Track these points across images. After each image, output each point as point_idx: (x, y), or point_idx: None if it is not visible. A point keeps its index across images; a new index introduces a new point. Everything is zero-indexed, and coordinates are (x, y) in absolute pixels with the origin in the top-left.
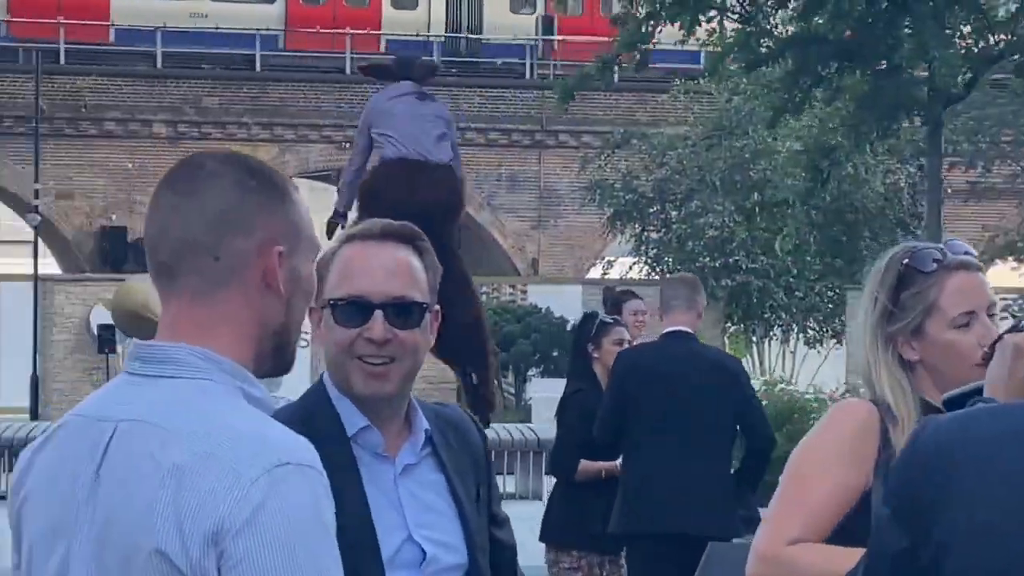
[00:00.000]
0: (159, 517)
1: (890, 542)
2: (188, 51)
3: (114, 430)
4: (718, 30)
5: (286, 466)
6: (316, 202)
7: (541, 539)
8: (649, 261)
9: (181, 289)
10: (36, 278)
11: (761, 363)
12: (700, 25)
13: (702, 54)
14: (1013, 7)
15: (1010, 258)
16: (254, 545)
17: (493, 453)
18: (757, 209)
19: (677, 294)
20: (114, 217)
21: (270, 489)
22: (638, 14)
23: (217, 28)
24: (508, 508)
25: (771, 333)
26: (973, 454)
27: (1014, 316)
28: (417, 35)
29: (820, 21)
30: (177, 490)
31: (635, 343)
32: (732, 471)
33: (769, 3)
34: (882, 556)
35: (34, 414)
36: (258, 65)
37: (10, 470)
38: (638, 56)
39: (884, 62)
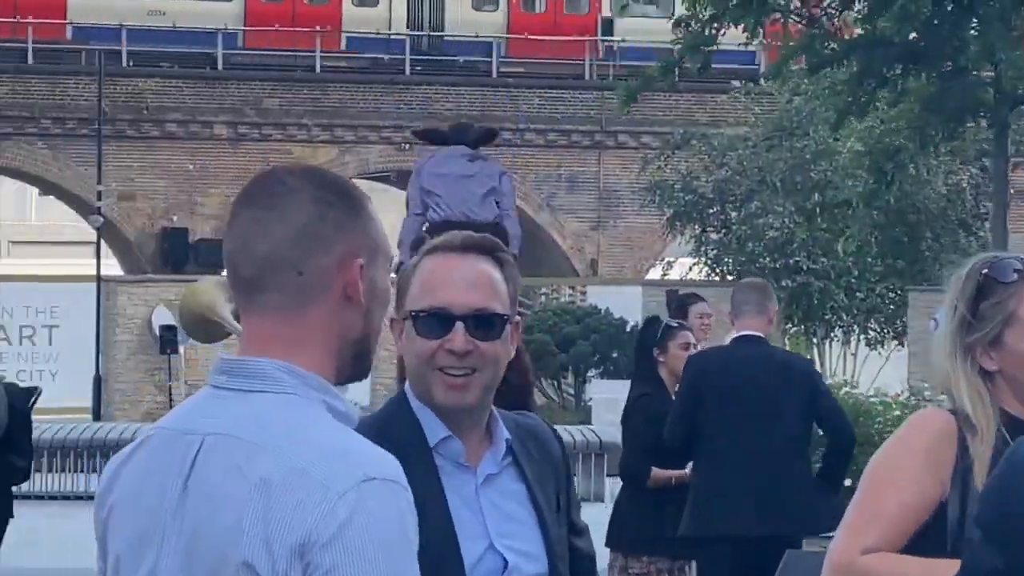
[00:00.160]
0: (246, 530)
1: (983, 562)
2: (148, 50)
3: (201, 443)
4: (782, 32)
5: (372, 481)
6: (376, 203)
7: (607, 544)
8: (709, 262)
9: (264, 304)
10: (99, 279)
11: (821, 364)
12: (763, 27)
13: (759, 54)
14: None
15: None
16: (340, 559)
17: None
18: (818, 210)
19: (748, 299)
20: (175, 218)
21: (357, 504)
22: (701, 16)
23: (174, 26)
24: None
25: (832, 334)
26: None
27: None
28: (378, 33)
29: (885, 24)
30: (265, 504)
31: (700, 346)
32: (813, 471)
33: (833, 5)
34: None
35: (96, 414)
36: (219, 63)
37: (73, 470)
38: (701, 59)
39: (950, 64)
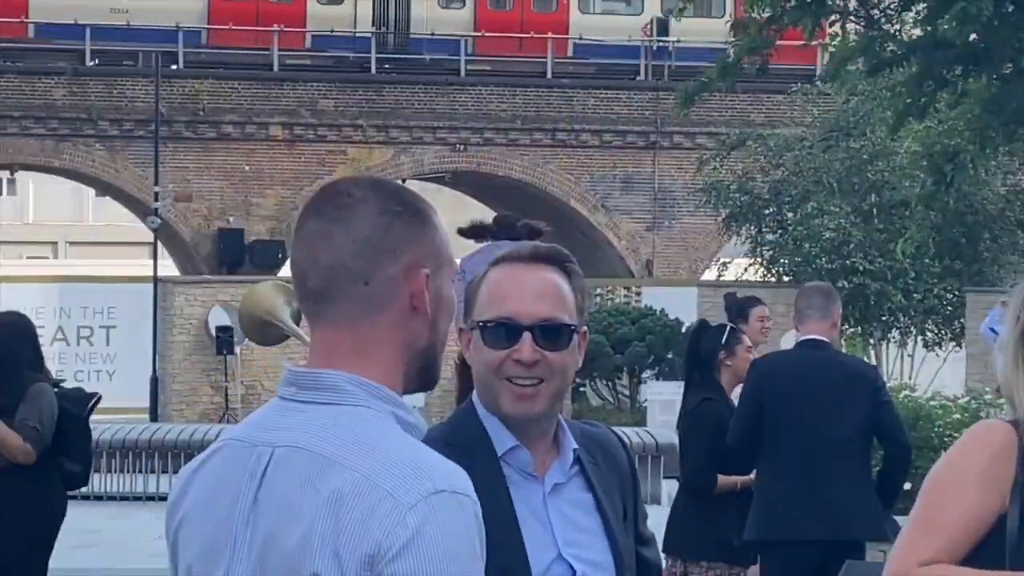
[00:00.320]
0: (317, 542)
1: None
2: (112, 48)
3: (271, 455)
4: (840, 34)
5: (442, 493)
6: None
7: (664, 549)
8: (764, 263)
9: (332, 315)
10: (155, 280)
11: (879, 366)
12: (821, 29)
13: (817, 55)
14: None
15: None
16: (409, 570)
17: None
18: (875, 211)
19: (813, 303)
20: (231, 219)
21: (427, 516)
22: (759, 18)
23: (129, 24)
24: None
25: (889, 336)
26: None
27: None
28: (336, 31)
29: (946, 26)
30: (335, 516)
31: (758, 348)
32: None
33: (892, 6)
34: None
35: (153, 415)
36: (181, 62)
37: (131, 471)
38: (759, 61)
39: (1010, 65)
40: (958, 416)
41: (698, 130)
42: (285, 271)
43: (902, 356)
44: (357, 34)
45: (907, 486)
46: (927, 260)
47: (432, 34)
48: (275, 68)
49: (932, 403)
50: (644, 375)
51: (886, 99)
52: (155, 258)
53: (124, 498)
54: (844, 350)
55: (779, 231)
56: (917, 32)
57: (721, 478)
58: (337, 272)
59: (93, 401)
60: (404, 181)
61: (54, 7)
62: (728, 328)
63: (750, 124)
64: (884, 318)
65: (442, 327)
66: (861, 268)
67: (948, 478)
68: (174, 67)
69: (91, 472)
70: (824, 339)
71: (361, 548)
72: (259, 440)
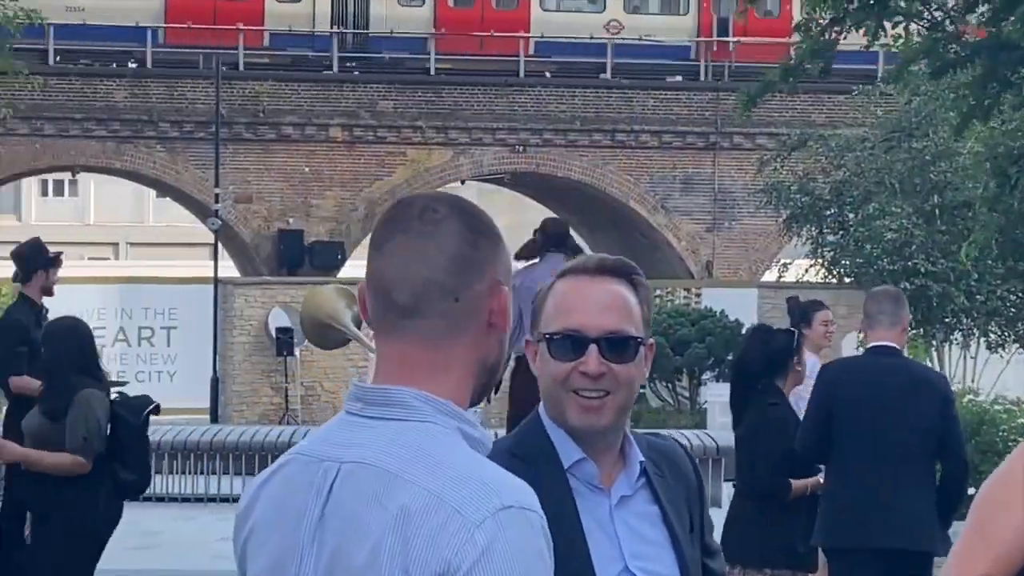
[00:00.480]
0: (385, 559)
1: None
2: (74, 48)
3: (338, 471)
4: (903, 35)
5: (509, 510)
6: (489, 205)
7: (725, 558)
8: (826, 264)
9: (413, 329)
10: (216, 281)
11: (940, 367)
12: (885, 31)
13: (879, 54)
14: None
15: None
16: None
17: None
18: (937, 211)
19: (883, 309)
20: (291, 220)
21: (495, 533)
22: (821, 20)
23: (85, 22)
24: None
25: (951, 338)
26: None
27: None
28: (294, 29)
29: (1011, 28)
30: (403, 533)
31: (821, 353)
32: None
33: (956, 8)
34: None
35: (214, 416)
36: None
37: (193, 472)
38: (821, 62)
39: None
40: (1023, 420)
41: (758, 131)
42: (344, 273)
43: (965, 358)
44: (316, 33)
45: (970, 491)
46: (990, 261)
47: (392, 32)
48: (335, 69)
49: (996, 407)
50: (704, 377)
51: (949, 100)
52: (215, 259)
53: (185, 499)
54: (907, 353)
55: (840, 232)
56: (977, 33)
57: (794, 483)
58: (430, 288)
59: (149, 409)
60: (463, 182)
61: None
62: (796, 334)
63: (811, 124)
64: (947, 320)
65: (507, 343)
66: (923, 269)
67: (1001, 491)
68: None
69: (149, 480)
70: (894, 345)
71: (431, 566)
72: (326, 455)
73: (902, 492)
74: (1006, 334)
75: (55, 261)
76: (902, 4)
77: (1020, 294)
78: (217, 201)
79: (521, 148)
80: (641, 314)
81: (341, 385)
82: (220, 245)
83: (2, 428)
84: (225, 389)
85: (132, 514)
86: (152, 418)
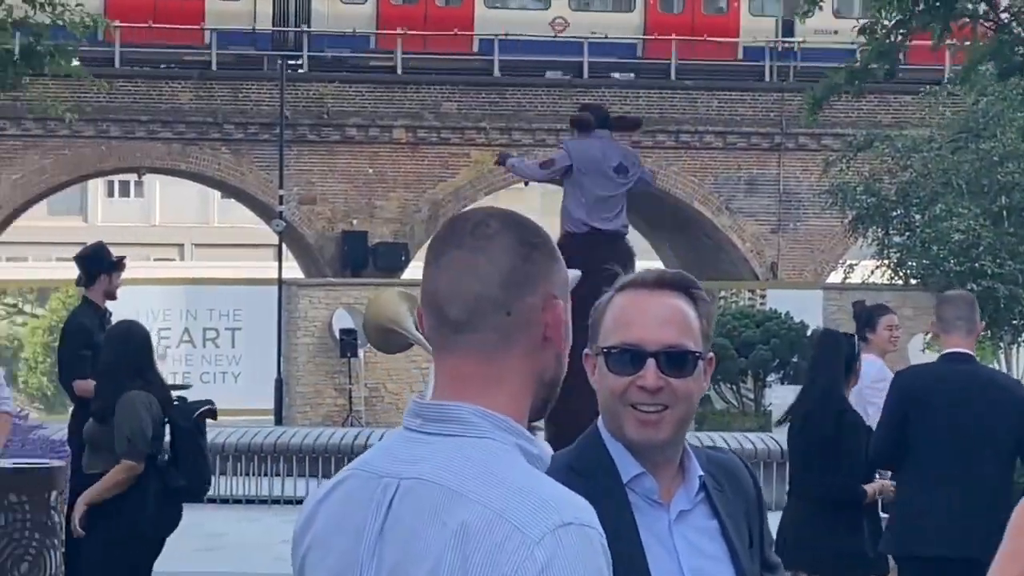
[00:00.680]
0: (445, 575)
1: None
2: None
3: (396, 487)
4: (969, 38)
5: (569, 527)
6: (550, 205)
7: (786, 565)
8: (892, 265)
9: (467, 344)
10: (280, 282)
11: (1008, 370)
12: (950, 32)
13: (947, 55)
14: None
15: None
16: None
17: None
18: (1005, 213)
19: (960, 315)
20: (355, 222)
21: (555, 550)
22: (887, 22)
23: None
24: None
25: (1019, 339)
26: None
27: None
28: (234, 27)
29: None
30: (463, 550)
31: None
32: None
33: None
34: None
35: (278, 417)
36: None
37: (257, 474)
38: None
39: None
40: None
41: (824, 131)
42: (408, 274)
43: None
44: (257, 30)
45: None
46: None
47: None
48: (399, 71)
49: None
50: (768, 379)
51: (1017, 101)
52: (280, 260)
53: (250, 501)
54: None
55: (907, 233)
56: None
57: (869, 487)
58: (482, 302)
59: (200, 412)
60: (527, 184)
61: None
62: (856, 338)
63: (877, 125)
64: (1014, 322)
65: (565, 359)
66: (990, 271)
67: None
68: (300, 70)
69: (205, 483)
70: (969, 352)
71: None
72: (385, 471)
73: (978, 500)
74: None
75: (118, 265)
76: (968, 6)
77: None
78: (281, 203)
79: None
80: (700, 328)
81: (405, 387)
82: (284, 246)
83: (67, 431)
84: (289, 390)
85: (196, 516)
86: (216, 420)
